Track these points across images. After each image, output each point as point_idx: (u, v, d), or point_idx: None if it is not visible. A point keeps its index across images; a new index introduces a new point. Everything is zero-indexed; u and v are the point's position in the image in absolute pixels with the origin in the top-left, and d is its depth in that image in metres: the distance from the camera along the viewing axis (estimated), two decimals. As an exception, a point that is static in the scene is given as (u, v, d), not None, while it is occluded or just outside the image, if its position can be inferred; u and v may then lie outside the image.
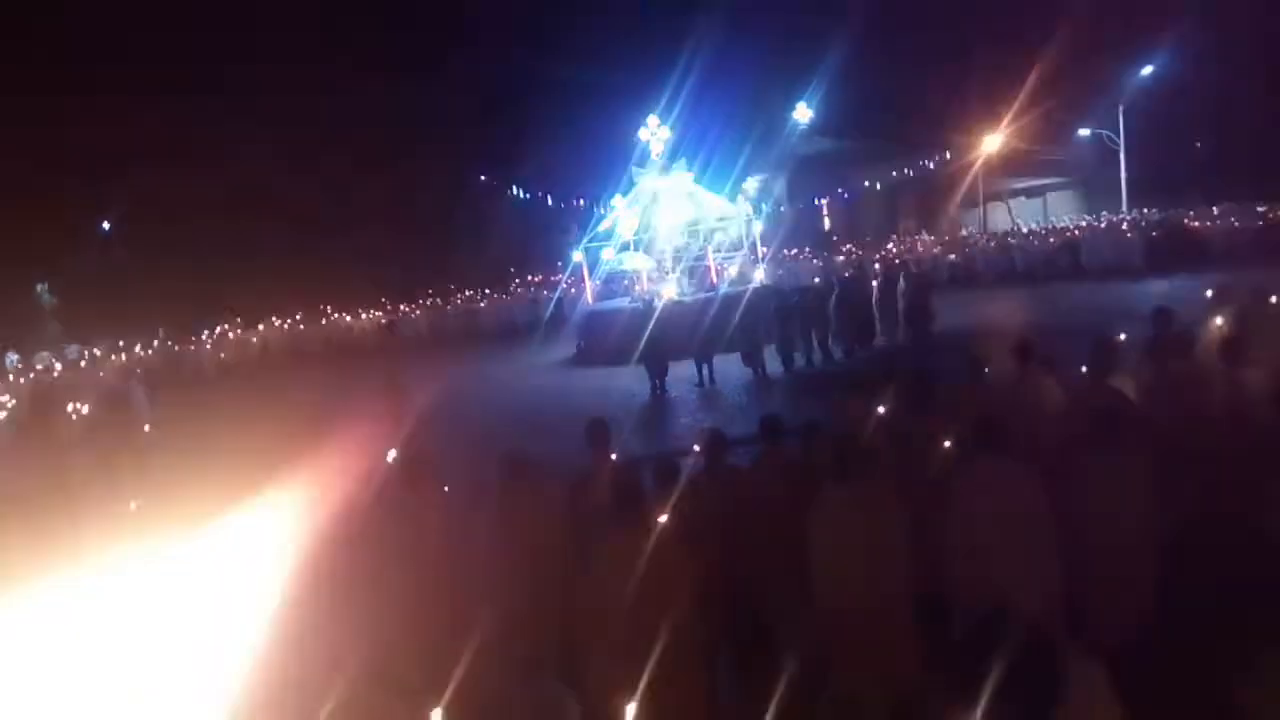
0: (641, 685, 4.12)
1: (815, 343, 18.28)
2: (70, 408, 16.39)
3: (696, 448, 6.03)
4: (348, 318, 37.05)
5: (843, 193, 42.83)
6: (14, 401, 20.71)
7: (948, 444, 5.85)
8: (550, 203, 39.39)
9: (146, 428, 15.58)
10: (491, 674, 4.18)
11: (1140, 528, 5.09)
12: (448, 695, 3.64)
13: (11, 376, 27.18)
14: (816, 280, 21.88)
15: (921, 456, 5.83)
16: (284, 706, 4.16)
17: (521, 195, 41.24)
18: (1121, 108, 35.95)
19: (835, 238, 43.99)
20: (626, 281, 25.45)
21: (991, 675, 2.57)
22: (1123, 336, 8.63)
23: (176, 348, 34.07)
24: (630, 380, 17.53)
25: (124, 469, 12.63)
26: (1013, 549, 4.75)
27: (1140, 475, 5.13)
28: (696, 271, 23.51)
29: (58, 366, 29.71)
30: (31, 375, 27.87)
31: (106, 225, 43.49)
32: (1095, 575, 5.01)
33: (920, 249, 34.31)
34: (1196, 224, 28.66)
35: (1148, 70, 35.67)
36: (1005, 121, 38.78)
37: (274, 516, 6.15)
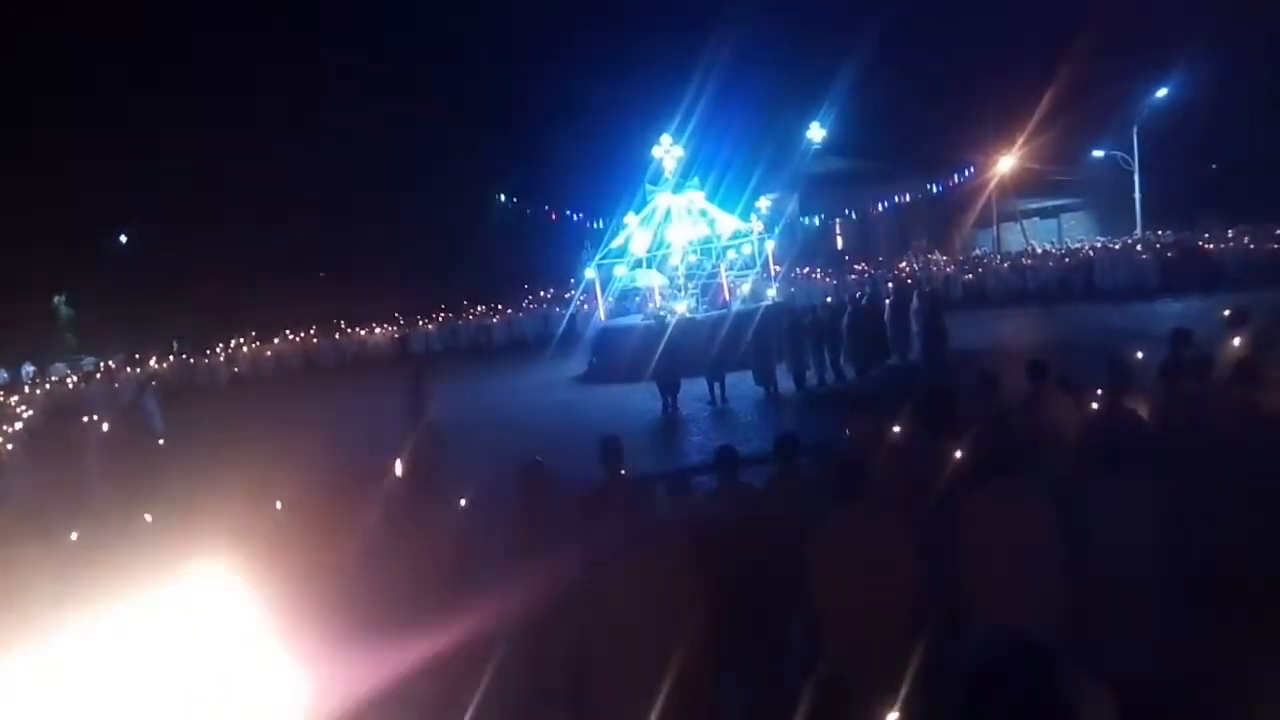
0: (651, 705, 4.11)
1: (828, 361, 18.25)
2: (85, 419, 16.50)
3: (711, 466, 6.02)
4: (361, 332, 37.18)
5: (855, 212, 42.83)
6: (30, 413, 20.87)
7: (960, 464, 5.82)
8: (563, 219, 39.55)
9: (161, 440, 15.67)
10: (499, 698, 4.17)
11: (1153, 552, 5.03)
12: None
13: (27, 388, 27.37)
14: (829, 299, 21.84)
15: (933, 477, 5.79)
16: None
17: (534, 212, 41.43)
18: (1136, 129, 35.88)
19: (848, 256, 43.94)
20: (639, 299, 25.47)
21: (999, 704, 2.54)
22: (1139, 356, 8.59)
23: (191, 360, 34.26)
24: (642, 398, 17.53)
25: (138, 480, 12.70)
26: (1021, 572, 4.71)
27: (1154, 498, 5.08)
28: (709, 289, 23.52)
29: (73, 378, 29.91)
30: (47, 387, 28.07)
31: (123, 239, 43.85)
32: (1106, 601, 4.96)
33: (933, 268, 34.26)
34: (1211, 246, 28.54)
35: (1162, 92, 35.59)
36: (1019, 142, 38.78)
37: (283, 531, 6.16)
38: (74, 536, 6.53)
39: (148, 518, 6.62)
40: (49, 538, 6.39)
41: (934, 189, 40.03)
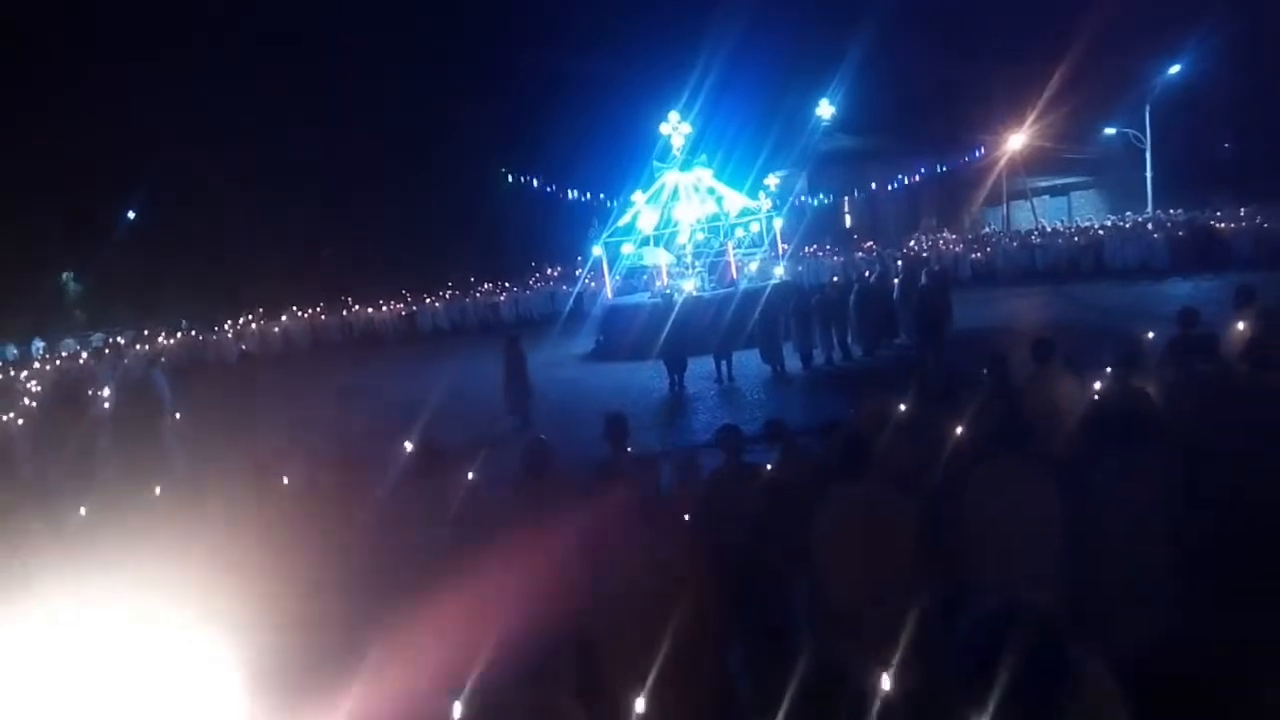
0: (654, 681, 4.13)
1: (835, 340, 18.20)
2: (94, 395, 16.57)
3: (715, 444, 6.02)
4: (369, 309, 37.23)
5: (864, 190, 42.61)
6: (40, 389, 20.98)
7: (965, 442, 5.82)
8: (570, 197, 39.39)
9: (178, 415, 15.74)
10: (501, 674, 4.19)
11: (1158, 531, 5.03)
12: (462, 695, 3.66)
13: (38, 364, 27.51)
14: (836, 278, 21.77)
15: (938, 454, 5.79)
16: (301, 692, 4.20)
17: (542, 189, 41.27)
18: (1148, 107, 35.57)
19: (856, 235, 43.78)
20: (646, 277, 25.43)
21: (999, 673, 2.55)
22: (1150, 336, 8.56)
23: (199, 337, 34.36)
24: (649, 376, 17.54)
25: (146, 457, 12.77)
26: (1025, 549, 4.71)
27: (1160, 477, 5.07)
28: (716, 267, 23.45)
29: (83, 355, 30.04)
30: (57, 363, 28.21)
31: (131, 215, 43.84)
32: (1110, 580, 4.96)
33: (942, 246, 34.11)
34: (1222, 225, 28.33)
35: (1175, 69, 35.25)
36: (1030, 120, 38.49)
37: (290, 507, 6.19)
38: (82, 512, 6.58)
39: (156, 490, 6.66)
40: (58, 513, 6.45)
41: (943, 167, 39.77)
